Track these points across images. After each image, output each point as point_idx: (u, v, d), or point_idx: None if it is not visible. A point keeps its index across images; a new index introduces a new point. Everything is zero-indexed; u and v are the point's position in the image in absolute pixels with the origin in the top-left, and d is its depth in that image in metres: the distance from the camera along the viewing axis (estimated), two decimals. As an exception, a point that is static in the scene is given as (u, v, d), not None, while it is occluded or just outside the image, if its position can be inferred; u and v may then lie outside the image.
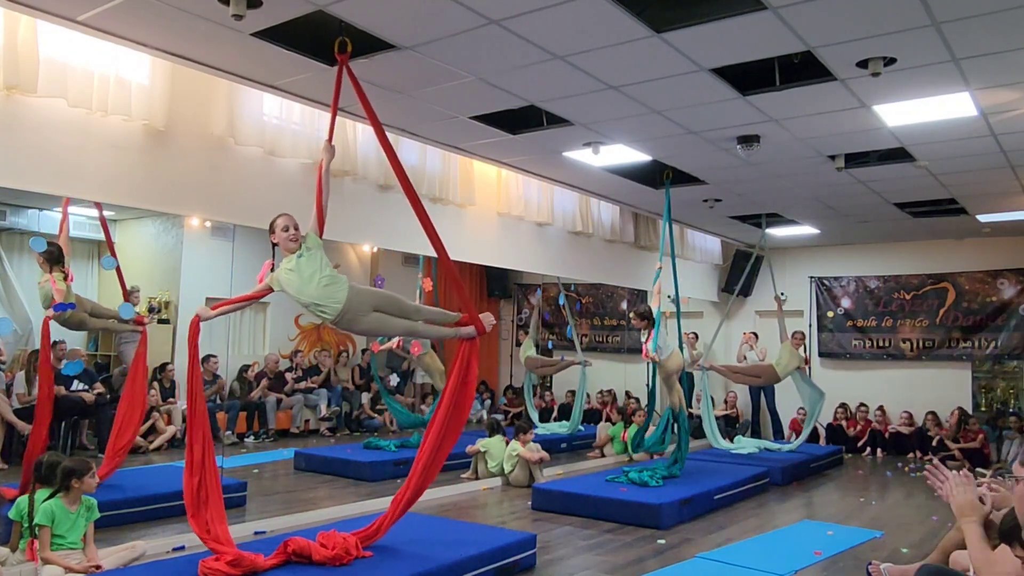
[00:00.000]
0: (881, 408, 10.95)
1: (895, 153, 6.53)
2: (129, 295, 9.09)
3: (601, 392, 12.64)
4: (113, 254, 6.41)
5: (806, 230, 10.35)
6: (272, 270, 4.08)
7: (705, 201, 8.64)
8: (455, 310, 4.48)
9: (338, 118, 5.91)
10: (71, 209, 6.42)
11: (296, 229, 4.01)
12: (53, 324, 6.05)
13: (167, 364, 9.53)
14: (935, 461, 3.08)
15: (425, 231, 4.31)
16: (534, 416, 11.12)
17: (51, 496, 4.24)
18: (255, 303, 4.78)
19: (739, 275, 11.33)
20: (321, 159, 4.29)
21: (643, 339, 7.06)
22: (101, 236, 9.97)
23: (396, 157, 4.37)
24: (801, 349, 9.32)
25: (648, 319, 7.00)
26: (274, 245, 4.07)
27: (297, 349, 11.32)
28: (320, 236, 4.11)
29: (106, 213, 9.56)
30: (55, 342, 8.04)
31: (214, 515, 3.89)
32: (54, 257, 5.86)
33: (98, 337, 9.60)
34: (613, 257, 9.98)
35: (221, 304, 4.02)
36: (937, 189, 7.74)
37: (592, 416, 11.63)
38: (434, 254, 4.43)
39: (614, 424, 10.02)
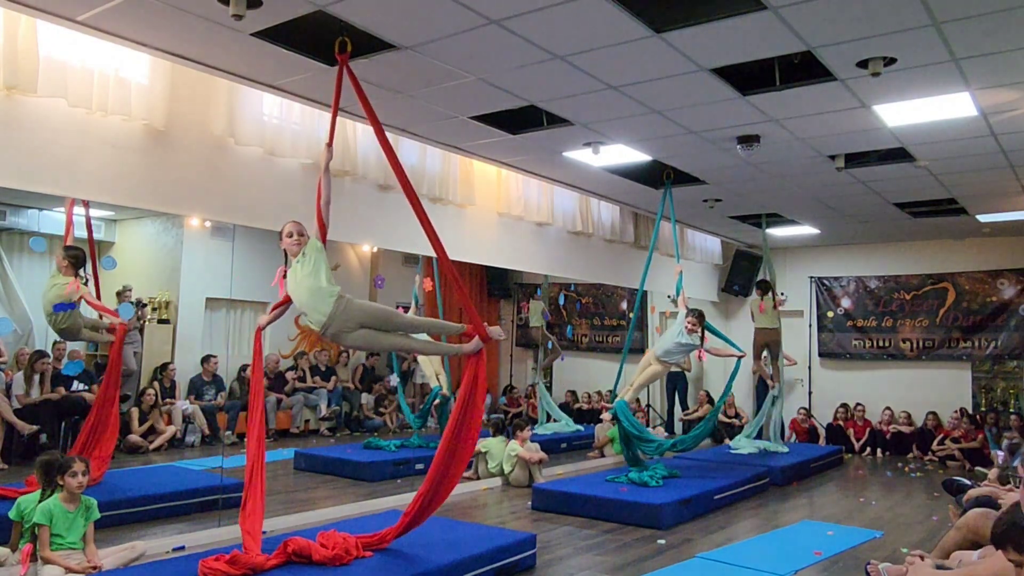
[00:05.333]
0: (889, 409, 10.90)
1: (895, 153, 6.53)
2: (121, 294, 9.09)
3: (600, 392, 12.64)
4: (93, 254, 6.35)
5: (806, 230, 10.34)
6: (284, 276, 4.19)
7: (705, 201, 8.64)
8: (457, 311, 4.49)
9: (338, 118, 5.95)
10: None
11: (301, 235, 4.10)
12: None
13: (168, 364, 9.52)
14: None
15: (426, 233, 4.32)
16: (542, 415, 11.09)
17: (43, 495, 4.23)
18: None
19: (739, 275, 11.28)
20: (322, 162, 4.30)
21: (696, 341, 7.20)
22: (99, 236, 10.00)
23: (396, 158, 4.39)
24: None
25: (702, 320, 7.24)
26: (285, 251, 4.17)
27: (302, 351, 11.31)
28: (323, 241, 4.16)
29: (106, 213, 9.60)
30: (55, 342, 8.06)
31: (254, 508, 4.05)
32: (80, 261, 5.82)
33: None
34: (613, 257, 9.97)
35: (270, 312, 4.48)
36: (937, 189, 7.74)
37: (592, 416, 11.62)
38: (434, 254, 4.43)
39: (613, 425, 10.01)
